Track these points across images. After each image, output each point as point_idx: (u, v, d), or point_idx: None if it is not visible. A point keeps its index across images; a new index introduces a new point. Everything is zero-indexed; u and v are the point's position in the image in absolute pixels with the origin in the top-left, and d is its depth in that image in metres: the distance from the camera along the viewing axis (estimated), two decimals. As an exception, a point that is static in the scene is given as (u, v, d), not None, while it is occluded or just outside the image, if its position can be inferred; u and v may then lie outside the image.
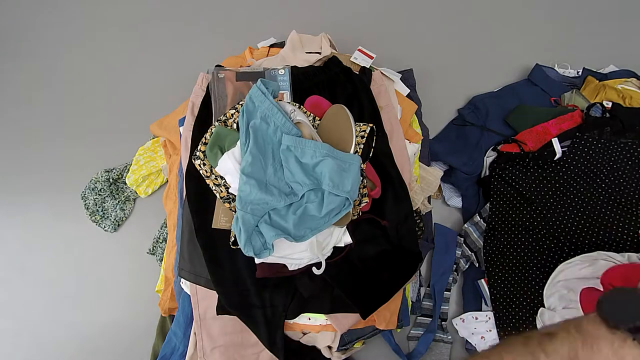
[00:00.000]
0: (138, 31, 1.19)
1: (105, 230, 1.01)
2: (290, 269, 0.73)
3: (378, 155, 0.81)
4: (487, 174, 0.95)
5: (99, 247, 1.01)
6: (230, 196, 0.74)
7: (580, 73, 1.05)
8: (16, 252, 1.02)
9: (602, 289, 0.68)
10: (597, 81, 1.00)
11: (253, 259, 0.72)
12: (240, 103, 0.77)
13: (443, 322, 0.90)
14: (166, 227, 0.96)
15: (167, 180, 0.99)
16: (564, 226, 0.86)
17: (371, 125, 0.78)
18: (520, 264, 0.86)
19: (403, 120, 0.92)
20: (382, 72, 0.95)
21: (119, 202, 1.02)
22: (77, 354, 0.95)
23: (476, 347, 0.86)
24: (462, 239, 0.93)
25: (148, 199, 1.04)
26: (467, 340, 0.88)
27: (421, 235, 0.90)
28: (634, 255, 0.75)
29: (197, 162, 0.75)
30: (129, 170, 1.01)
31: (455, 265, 0.91)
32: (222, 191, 0.74)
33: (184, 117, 0.87)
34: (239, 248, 0.73)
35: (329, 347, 0.81)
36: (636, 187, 0.85)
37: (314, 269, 0.72)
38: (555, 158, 0.88)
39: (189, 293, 0.80)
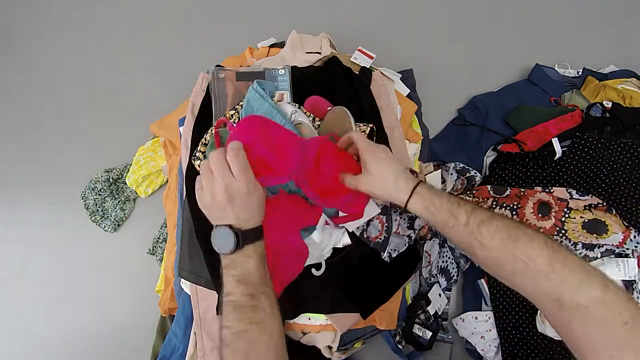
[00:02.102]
0: (138, 31, 1.19)
1: (105, 230, 1.01)
2: (290, 269, 0.72)
3: (378, 155, 0.81)
4: (487, 174, 0.95)
5: (98, 247, 1.01)
6: (230, 196, 0.74)
7: (580, 73, 1.05)
8: (16, 252, 1.02)
9: None
10: (597, 81, 1.00)
11: (253, 259, 0.72)
12: (240, 103, 0.77)
13: (443, 322, 0.90)
14: (166, 227, 0.96)
15: (167, 180, 0.99)
16: (563, 226, 0.86)
17: (371, 125, 0.78)
18: (520, 264, 0.86)
19: (403, 120, 0.92)
20: (382, 72, 0.95)
21: (119, 202, 1.02)
22: (77, 353, 0.95)
23: (476, 347, 0.86)
24: (462, 239, 0.93)
25: (148, 199, 1.04)
26: (467, 340, 0.88)
27: (421, 235, 0.90)
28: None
29: (196, 163, 0.75)
30: (129, 170, 1.01)
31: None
32: (222, 191, 0.74)
33: (184, 117, 0.87)
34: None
35: (329, 347, 0.81)
36: (636, 187, 0.85)
37: (313, 270, 0.72)
38: (555, 158, 0.88)
39: (189, 293, 0.80)
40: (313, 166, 0.64)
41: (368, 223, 0.76)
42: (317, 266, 0.72)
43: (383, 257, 0.75)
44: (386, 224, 0.75)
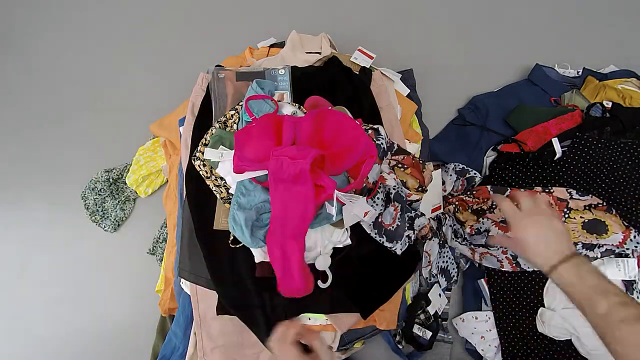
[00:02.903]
0: (138, 31, 1.19)
1: (105, 230, 1.01)
2: (290, 269, 0.72)
3: (378, 155, 0.81)
4: (487, 174, 0.95)
5: (98, 247, 1.01)
6: (231, 197, 0.74)
7: (580, 73, 1.05)
8: (16, 252, 1.02)
9: None
10: (597, 81, 1.00)
11: (253, 259, 0.73)
12: (240, 104, 0.77)
13: (443, 322, 0.91)
14: (166, 227, 0.96)
15: (167, 180, 0.99)
16: (563, 226, 0.86)
17: (371, 125, 0.78)
18: (520, 264, 0.86)
19: (403, 120, 0.92)
20: (382, 72, 0.95)
21: (119, 202, 1.02)
22: (77, 353, 0.95)
23: (476, 347, 0.86)
24: (462, 239, 0.93)
25: (148, 199, 1.04)
26: (467, 340, 0.88)
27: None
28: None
29: (196, 163, 0.75)
30: (129, 170, 1.01)
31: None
32: (222, 192, 0.74)
33: (184, 117, 0.87)
34: (239, 248, 0.73)
35: (329, 347, 0.81)
36: (636, 187, 0.85)
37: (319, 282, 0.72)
38: (555, 158, 0.88)
39: (189, 293, 0.80)
40: (310, 136, 0.65)
41: (384, 208, 0.75)
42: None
43: (393, 248, 0.74)
44: (400, 212, 0.75)
